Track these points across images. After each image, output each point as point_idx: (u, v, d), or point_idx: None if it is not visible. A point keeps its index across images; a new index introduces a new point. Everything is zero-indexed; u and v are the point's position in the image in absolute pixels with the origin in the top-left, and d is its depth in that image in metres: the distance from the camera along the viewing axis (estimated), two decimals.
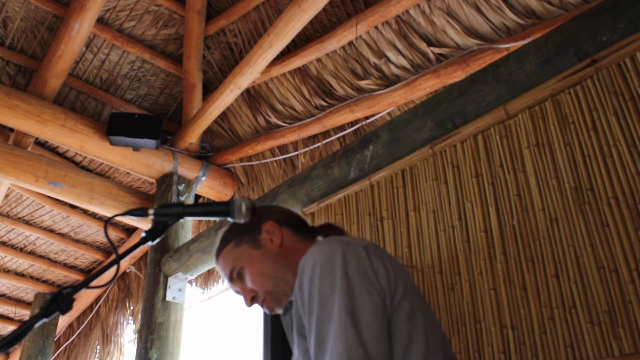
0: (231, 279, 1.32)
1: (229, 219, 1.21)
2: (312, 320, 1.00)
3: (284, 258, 1.27)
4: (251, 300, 1.29)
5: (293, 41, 3.42)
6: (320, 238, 1.34)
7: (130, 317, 5.12)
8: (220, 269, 1.36)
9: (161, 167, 3.91)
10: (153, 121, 3.72)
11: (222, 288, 4.43)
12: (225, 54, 4.14)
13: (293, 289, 1.21)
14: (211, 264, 3.36)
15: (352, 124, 3.51)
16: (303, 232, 1.34)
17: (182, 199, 3.89)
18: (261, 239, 1.30)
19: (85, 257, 5.32)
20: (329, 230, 1.37)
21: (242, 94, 3.89)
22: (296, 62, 3.55)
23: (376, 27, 3.18)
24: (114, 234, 5.04)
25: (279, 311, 1.29)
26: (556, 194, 1.56)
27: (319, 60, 3.52)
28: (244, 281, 1.29)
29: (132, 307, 5.10)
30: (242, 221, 1.24)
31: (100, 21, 3.88)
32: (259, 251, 1.29)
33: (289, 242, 1.30)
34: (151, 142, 3.69)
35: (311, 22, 3.36)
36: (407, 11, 3.04)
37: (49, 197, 4.56)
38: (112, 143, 3.66)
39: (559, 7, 2.60)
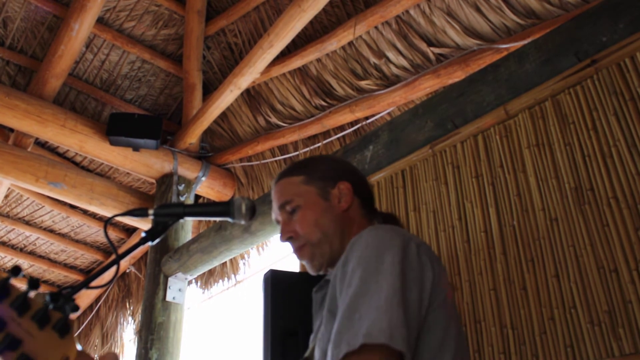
0: (281, 208, 1.28)
1: (229, 220, 1.21)
2: (347, 293, 0.99)
3: (341, 224, 1.24)
4: (288, 238, 1.27)
5: (293, 41, 3.42)
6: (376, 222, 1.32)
7: (130, 317, 5.11)
8: (275, 191, 1.32)
9: (161, 168, 3.91)
10: (153, 121, 3.73)
11: (222, 288, 4.43)
12: (225, 54, 4.14)
13: (332, 255, 1.21)
14: (211, 264, 3.36)
15: (352, 124, 3.51)
16: (367, 208, 1.31)
17: (182, 199, 3.89)
18: (332, 193, 1.27)
19: (85, 257, 5.32)
20: (388, 220, 1.33)
21: (242, 94, 3.88)
22: (296, 62, 3.55)
23: (376, 27, 3.18)
24: (114, 234, 5.04)
25: (306, 264, 1.26)
26: (556, 194, 1.56)
27: (319, 60, 3.51)
28: (292, 218, 1.26)
29: (132, 307, 5.10)
30: (242, 222, 1.23)
31: (100, 21, 3.88)
32: (324, 202, 1.26)
33: (353, 212, 1.27)
34: (151, 142, 3.69)
35: (311, 22, 3.36)
36: (407, 11, 3.04)
37: (49, 197, 4.56)
38: (112, 143, 3.66)
39: (559, 7, 2.60)
